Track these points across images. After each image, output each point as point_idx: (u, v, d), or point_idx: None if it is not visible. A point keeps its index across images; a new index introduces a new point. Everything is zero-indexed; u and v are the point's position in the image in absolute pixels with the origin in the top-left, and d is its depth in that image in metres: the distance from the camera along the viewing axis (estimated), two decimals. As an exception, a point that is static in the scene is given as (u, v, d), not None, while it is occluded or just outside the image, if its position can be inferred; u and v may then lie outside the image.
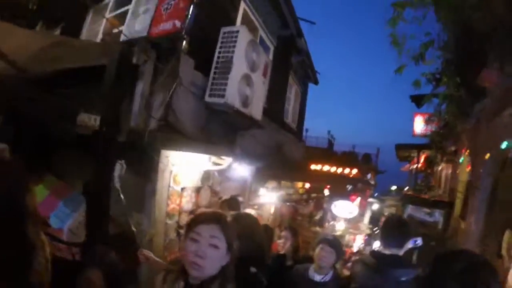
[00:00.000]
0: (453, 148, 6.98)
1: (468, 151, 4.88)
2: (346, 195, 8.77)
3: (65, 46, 2.99)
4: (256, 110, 3.95)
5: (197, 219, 1.34)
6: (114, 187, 2.68)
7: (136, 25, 4.24)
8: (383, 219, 11.61)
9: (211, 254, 1.22)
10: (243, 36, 3.39)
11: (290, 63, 7.82)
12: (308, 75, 9.72)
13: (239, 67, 3.35)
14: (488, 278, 1.11)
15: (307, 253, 3.51)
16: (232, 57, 3.30)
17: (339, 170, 15.49)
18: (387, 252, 2.19)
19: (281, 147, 7.34)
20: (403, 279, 1.97)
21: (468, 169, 4.71)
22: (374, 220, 11.61)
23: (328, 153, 18.21)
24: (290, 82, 8.37)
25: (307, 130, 20.38)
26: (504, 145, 3.34)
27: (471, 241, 3.87)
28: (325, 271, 2.46)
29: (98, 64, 2.52)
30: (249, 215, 2.36)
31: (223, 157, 3.75)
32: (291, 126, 8.91)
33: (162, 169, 3.15)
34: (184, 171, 3.49)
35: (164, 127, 2.86)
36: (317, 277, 2.47)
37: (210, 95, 3.33)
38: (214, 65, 3.41)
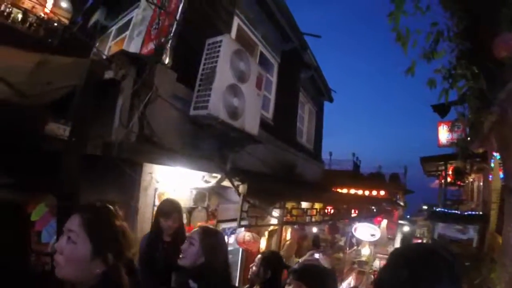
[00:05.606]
0: (481, 150, 6.28)
1: (497, 149, 4.31)
2: (370, 217, 8.09)
3: (49, 66, 3.01)
4: (250, 123, 3.73)
5: None
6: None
7: (130, 48, 4.31)
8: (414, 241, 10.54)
9: (67, 250, 1.00)
10: (227, 45, 3.25)
11: (299, 79, 7.61)
12: (321, 92, 9.44)
13: (223, 77, 3.19)
14: None
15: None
16: (215, 67, 3.15)
17: (366, 192, 14.67)
18: None
19: (293, 168, 6.97)
20: None
21: (501, 172, 4.13)
22: (405, 243, 10.60)
23: (354, 176, 17.40)
24: (302, 99, 8.13)
25: (331, 154, 19.88)
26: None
27: (510, 258, 3.26)
28: None
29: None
30: (217, 231, 2.07)
31: (214, 174, 3.52)
32: (307, 146, 8.56)
33: (144, 186, 2.97)
34: (172, 189, 3.29)
35: (140, 140, 2.70)
36: None
37: (194, 108, 3.17)
38: (198, 77, 3.28)
